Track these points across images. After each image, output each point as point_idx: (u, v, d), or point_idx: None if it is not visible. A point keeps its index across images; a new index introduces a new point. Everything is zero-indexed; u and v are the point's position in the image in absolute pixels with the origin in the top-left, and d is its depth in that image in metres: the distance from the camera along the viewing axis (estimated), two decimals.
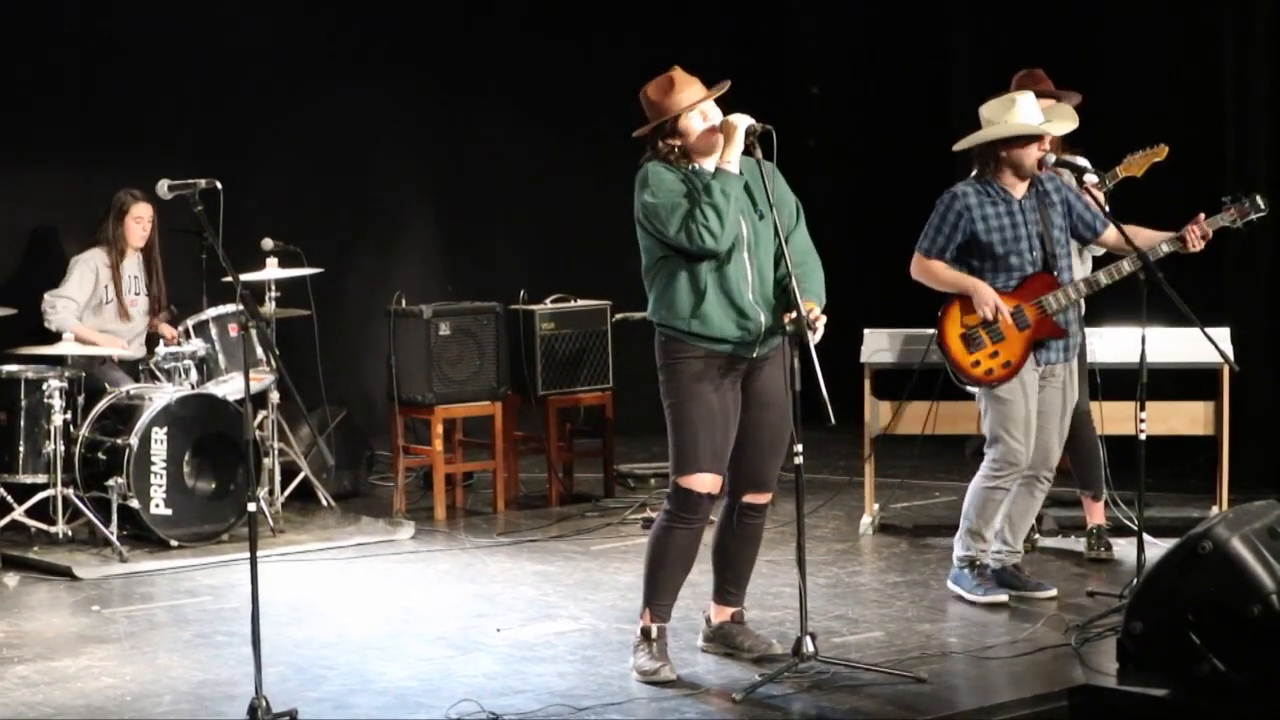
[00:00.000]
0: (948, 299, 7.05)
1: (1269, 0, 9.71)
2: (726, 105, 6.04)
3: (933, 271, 7.05)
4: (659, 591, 6.08)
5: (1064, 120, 7.24)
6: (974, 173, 7.06)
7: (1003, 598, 6.99)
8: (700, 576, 6.29)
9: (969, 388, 7.10)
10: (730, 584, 6.28)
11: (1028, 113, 6.94)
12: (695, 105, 5.93)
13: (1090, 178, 7.13)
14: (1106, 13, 10.44)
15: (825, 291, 6.05)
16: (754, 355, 5.97)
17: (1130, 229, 7.09)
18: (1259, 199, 7.02)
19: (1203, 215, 6.99)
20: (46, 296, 8.91)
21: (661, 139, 5.96)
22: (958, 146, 7.09)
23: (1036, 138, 6.92)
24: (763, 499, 6.16)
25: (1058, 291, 6.94)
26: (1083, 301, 7.61)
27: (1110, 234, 7.10)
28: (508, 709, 5.65)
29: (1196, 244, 6.99)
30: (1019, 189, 6.99)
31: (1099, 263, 7.41)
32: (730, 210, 5.82)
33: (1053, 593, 7.09)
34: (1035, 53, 8.13)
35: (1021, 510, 7.14)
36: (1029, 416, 6.96)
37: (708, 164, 5.93)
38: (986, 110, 7.02)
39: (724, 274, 5.90)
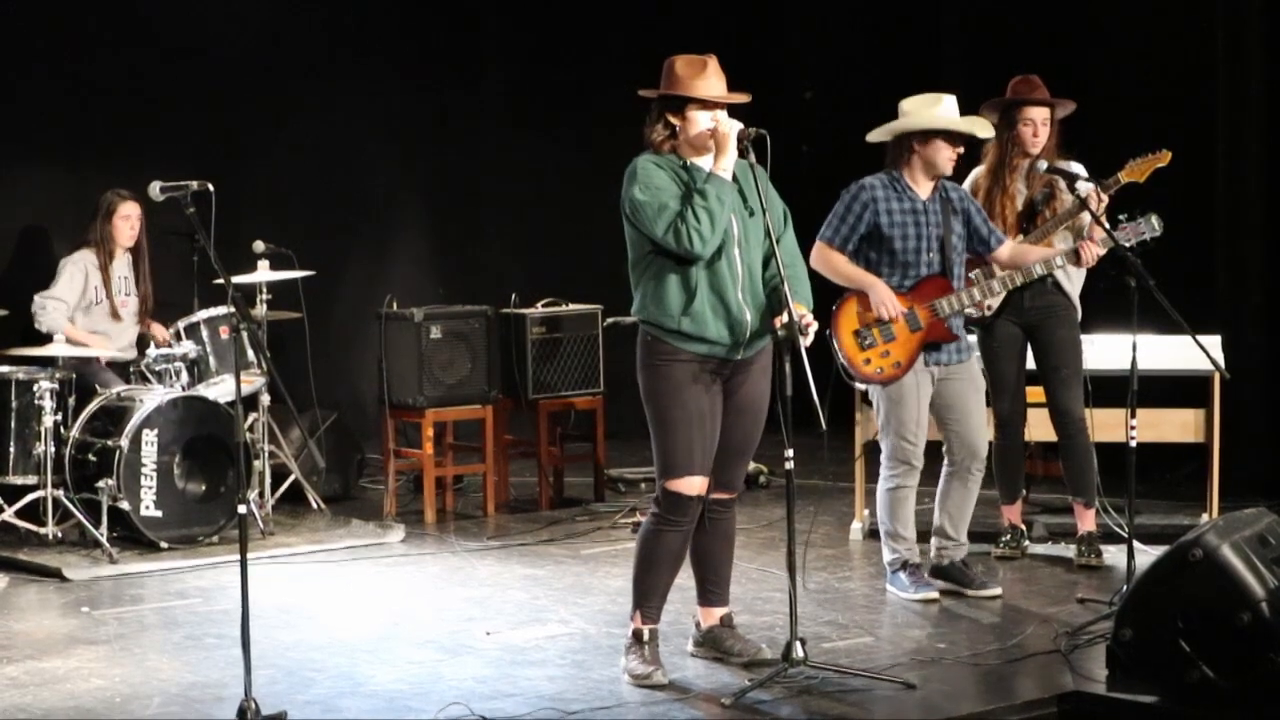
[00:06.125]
0: (844, 294, 7.06)
1: (1263, 8, 9.72)
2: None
3: (833, 263, 7.05)
4: (649, 594, 6.08)
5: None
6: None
7: (934, 594, 7.07)
8: (688, 581, 6.29)
9: (858, 385, 7.17)
10: (711, 584, 6.27)
11: (950, 112, 6.97)
12: (713, 103, 5.88)
13: (1084, 185, 7.12)
14: (1102, 20, 10.43)
15: (813, 296, 6.05)
16: (739, 358, 5.95)
17: (1021, 246, 7.26)
18: (1154, 220, 7.03)
19: (1100, 232, 7.03)
20: (36, 298, 8.91)
21: (666, 111, 5.90)
22: (872, 136, 7.11)
23: (951, 137, 6.94)
24: (728, 496, 6.16)
25: (951, 296, 7.02)
26: (1079, 306, 7.64)
27: (1004, 251, 7.19)
28: (497, 712, 5.64)
29: (1090, 260, 7.13)
30: (925, 189, 7.04)
31: (1103, 270, 7.37)
32: (721, 217, 5.80)
33: (996, 591, 7.16)
34: (1030, 60, 8.13)
35: (958, 502, 7.21)
36: (920, 416, 7.03)
37: (701, 161, 5.91)
38: (907, 103, 7.04)
39: (714, 270, 5.87)
